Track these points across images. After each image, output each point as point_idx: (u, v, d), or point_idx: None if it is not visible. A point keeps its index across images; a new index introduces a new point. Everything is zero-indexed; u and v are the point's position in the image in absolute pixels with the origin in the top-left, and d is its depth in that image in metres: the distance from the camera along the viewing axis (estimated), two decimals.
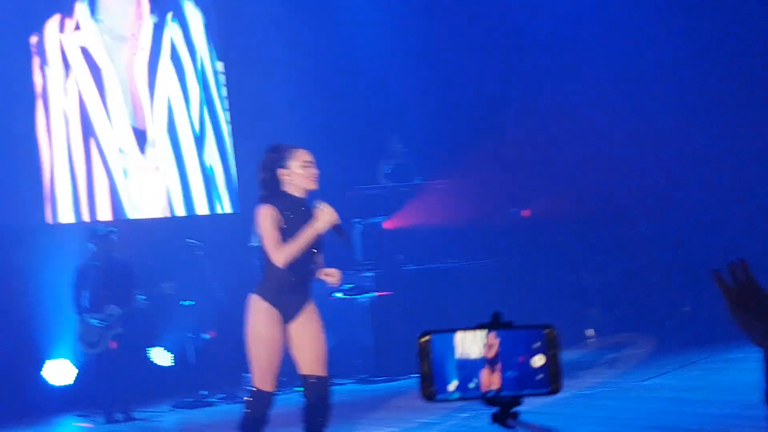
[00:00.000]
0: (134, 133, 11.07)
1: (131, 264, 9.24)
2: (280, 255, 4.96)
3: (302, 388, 5.11)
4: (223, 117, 11.73)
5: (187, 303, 9.74)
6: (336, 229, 5.08)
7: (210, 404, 9.35)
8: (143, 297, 9.06)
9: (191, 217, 11.29)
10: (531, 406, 6.49)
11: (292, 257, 4.97)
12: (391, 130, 11.95)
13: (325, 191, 10.94)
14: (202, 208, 11.39)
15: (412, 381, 9.64)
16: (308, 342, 5.10)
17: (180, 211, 11.29)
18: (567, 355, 9.72)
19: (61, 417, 9.71)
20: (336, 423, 6.93)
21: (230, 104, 11.85)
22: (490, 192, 12.06)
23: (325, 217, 5.02)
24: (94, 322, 8.95)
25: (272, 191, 5.12)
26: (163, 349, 11.08)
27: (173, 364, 11.05)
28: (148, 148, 11.09)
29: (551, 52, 12.18)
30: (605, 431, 5.82)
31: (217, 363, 9.83)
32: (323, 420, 5.08)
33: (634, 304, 11.96)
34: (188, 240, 9.56)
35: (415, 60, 12.49)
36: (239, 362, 9.10)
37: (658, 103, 11.82)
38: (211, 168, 11.54)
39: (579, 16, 11.94)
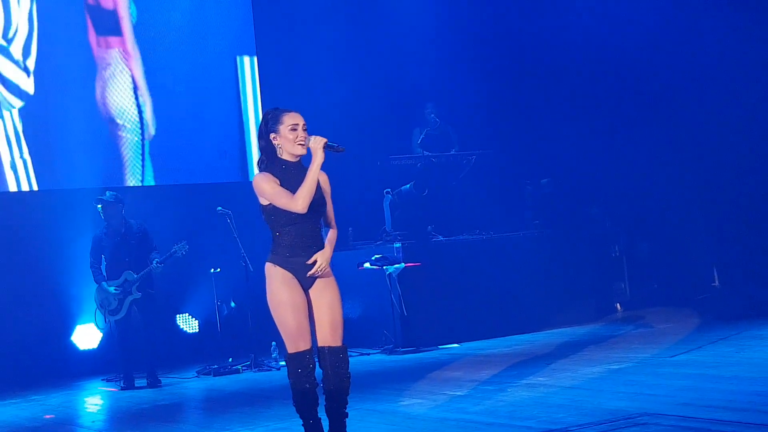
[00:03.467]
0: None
1: (145, 229, 9.25)
2: (297, 201, 4.90)
3: (318, 359, 5.04)
4: None
5: (214, 271, 9.74)
6: (330, 148, 4.97)
7: (235, 371, 9.36)
8: (156, 260, 9.07)
9: (219, 184, 11.31)
10: (556, 380, 6.42)
11: (309, 197, 4.91)
12: (425, 100, 11.86)
13: (358, 160, 10.86)
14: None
15: (439, 352, 9.60)
16: (323, 312, 5.03)
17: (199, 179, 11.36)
18: (596, 329, 9.67)
19: (88, 380, 9.82)
20: (361, 393, 6.93)
21: (261, 73, 11.80)
22: (522, 163, 11.99)
23: (316, 146, 4.94)
24: (112, 289, 9.00)
25: (270, 158, 5.06)
26: (189, 315, 11.15)
27: (198, 330, 11.13)
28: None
29: (585, 21, 12.04)
30: (633, 407, 5.74)
31: (243, 330, 9.84)
32: (341, 390, 5.02)
33: (664, 279, 11.87)
34: (219, 208, 9.54)
35: (452, 29, 12.40)
36: (265, 330, 9.14)
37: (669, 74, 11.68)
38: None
39: None
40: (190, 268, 10.16)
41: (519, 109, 12.50)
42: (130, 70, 11.07)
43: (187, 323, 11.19)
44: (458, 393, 6.91)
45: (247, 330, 9.60)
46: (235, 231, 9.40)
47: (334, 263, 5.12)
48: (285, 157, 5.06)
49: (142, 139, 11.11)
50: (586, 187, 11.93)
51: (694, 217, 11.73)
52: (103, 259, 9.17)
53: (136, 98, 11.08)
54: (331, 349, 5.01)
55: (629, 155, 12.01)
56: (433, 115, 11.72)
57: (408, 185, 10.83)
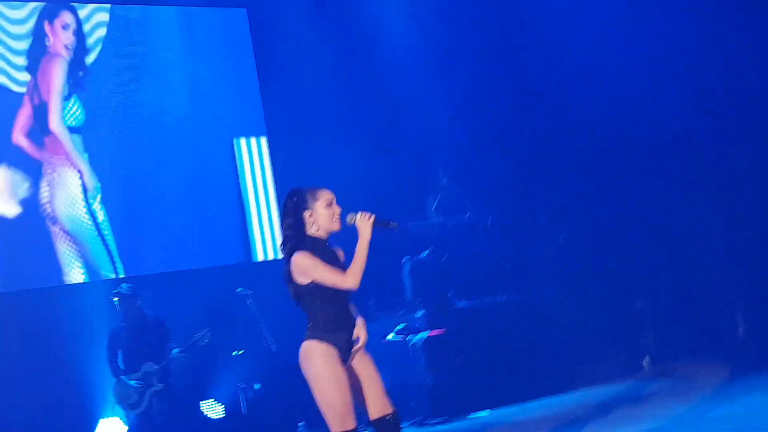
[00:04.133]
0: None
1: (163, 319, 9.20)
2: (348, 279, 4.92)
3: (375, 429, 5.00)
4: None
5: (236, 353, 9.67)
6: (381, 225, 4.96)
7: None
8: (177, 350, 9.00)
9: (231, 265, 11.23)
10: None
11: (361, 275, 4.94)
12: (437, 165, 11.84)
13: (374, 231, 10.79)
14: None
15: (470, 422, 9.42)
16: (370, 383, 5.04)
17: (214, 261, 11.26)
18: (627, 386, 9.43)
19: None
20: None
21: (271, 147, 11.79)
22: (539, 221, 11.90)
23: (364, 224, 4.94)
24: (132, 383, 8.92)
25: (299, 235, 5.02)
26: (214, 400, 11.01)
27: (224, 415, 10.98)
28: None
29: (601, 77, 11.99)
30: None
31: (270, 413, 9.71)
32: None
33: (691, 330, 11.66)
34: (239, 289, 9.52)
35: (461, 94, 12.42)
36: (292, 411, 9.04)
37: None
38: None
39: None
40: (211, 353, 10.05)
41: (531, 166, 12.43)
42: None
43: (212, 409, 11.04)
44: None
45: (274, 412, 9.48)
46: (257, 311, 9.36)
47: None
48: (317, 234, 5.03)
49: (143, 227, 11.02)
50: (605, 240, 11.80)
51: (720, 266, 11.55)
52: (120, 352, 9.09)
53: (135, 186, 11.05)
54: (392, 416, 5.00)
55: (647, 204, 11.88)
56: (445, 180, 11.71)
57: (425, 252, 10.77)
